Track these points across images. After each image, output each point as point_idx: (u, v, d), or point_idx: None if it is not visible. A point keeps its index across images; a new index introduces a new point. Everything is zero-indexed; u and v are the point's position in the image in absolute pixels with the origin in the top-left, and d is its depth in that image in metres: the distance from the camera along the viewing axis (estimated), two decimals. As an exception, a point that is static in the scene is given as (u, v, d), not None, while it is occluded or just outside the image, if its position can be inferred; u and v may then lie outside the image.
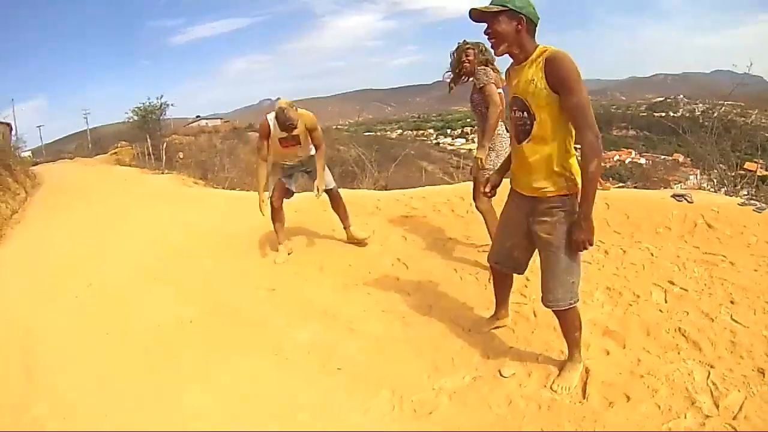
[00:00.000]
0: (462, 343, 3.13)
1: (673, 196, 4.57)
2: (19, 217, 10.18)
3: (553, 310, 2.55)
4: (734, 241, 3.89)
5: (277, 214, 4.89)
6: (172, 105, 28.74)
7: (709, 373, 2.55)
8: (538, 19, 2.29)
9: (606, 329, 3.03)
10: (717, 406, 2.30)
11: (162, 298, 4.40)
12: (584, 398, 2.50)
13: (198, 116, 50.37)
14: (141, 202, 10.30)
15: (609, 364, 2.73)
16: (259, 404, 2.83)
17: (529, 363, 2.84)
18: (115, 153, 26.99)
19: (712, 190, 6.72)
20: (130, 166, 21.13)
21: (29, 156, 28.43)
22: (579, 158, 2.29)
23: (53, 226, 8.71)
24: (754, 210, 4.26)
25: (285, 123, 4.45)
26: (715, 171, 7.86)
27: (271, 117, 4.61)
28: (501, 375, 2.76)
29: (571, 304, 2.49)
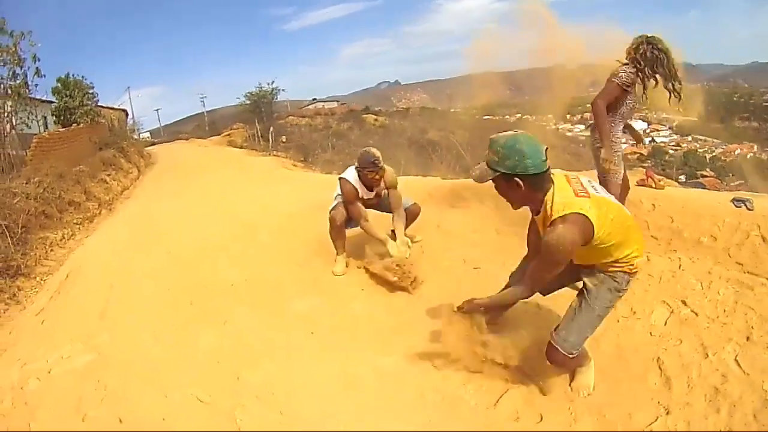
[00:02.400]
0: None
1: (734, 200, 4.01)
2: (129, 193, 12.00)
3: (552, 348, 2.60)
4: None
5: (338, 232, 4.68)
6: (283, 90, 30.98)
7: (656, 419, 2.39)
8: (540, 168, 2.28)
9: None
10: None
11: (218, 265, 5.23)
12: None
13: (314, 99, 53.11)
14: (234, 182, 11.69)
15: (553, 383, 2.77)
16: (249, 346, 3.58)
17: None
18: (228, 135, 29.35)
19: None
20: (241, 147, 23.10)
21: (147, 137, 31.89)
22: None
23: (154, 201, 10.21)
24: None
25: (371, 170, 4.31)
26: None
27: (351, 176, 4.49)
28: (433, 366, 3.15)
29: (572, 354, 2.55)
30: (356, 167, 4.46)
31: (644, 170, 5.10)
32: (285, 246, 5.53)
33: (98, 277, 5.33)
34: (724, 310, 2.98)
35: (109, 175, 12.15)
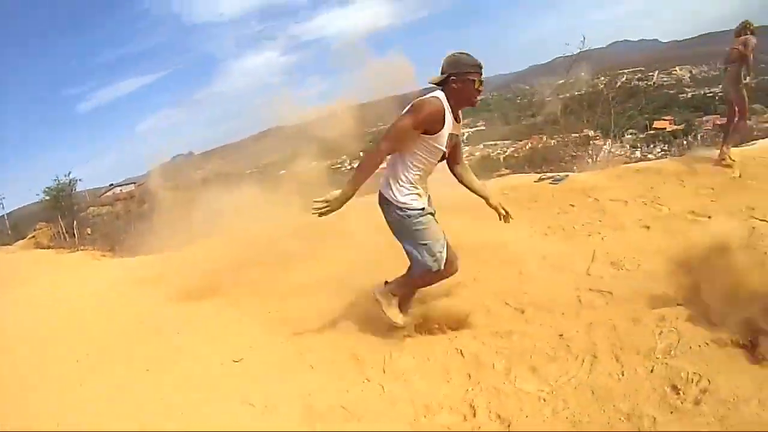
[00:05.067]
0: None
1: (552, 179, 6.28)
2: None
3: None
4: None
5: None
6: (80, 180, 32.35)
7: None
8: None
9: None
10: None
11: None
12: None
13: (111, 184, 53.38)
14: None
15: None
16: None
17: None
18: (33, 237, 29.77)
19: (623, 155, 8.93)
20: (48, 248, 24.03)
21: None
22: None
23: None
24: (550, 183, 5.68)
25: (474, 74, 3.33)
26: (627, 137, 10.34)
27: (442, 96, 3.28)
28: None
29: None
30: (449, 83, 3.32)
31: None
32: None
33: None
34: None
35: None
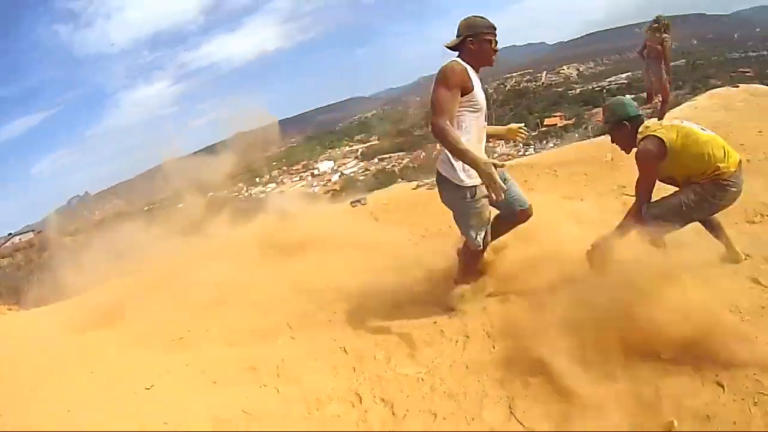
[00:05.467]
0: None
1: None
2: None
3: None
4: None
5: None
6: None
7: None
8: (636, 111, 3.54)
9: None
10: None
11: None
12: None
13: (10, 234, 51.38)
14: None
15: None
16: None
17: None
18: None
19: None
20: None
21: None
22: None
23: None
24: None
25: (490, 35, 3.42)
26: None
27: (459, 60, 3.39)
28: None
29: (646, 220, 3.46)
30: (467, 45, 3.43)
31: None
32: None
33: None
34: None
35: None
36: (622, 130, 3.56)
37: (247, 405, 3.54)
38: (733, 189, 3.35)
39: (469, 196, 3.50)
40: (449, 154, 3.37)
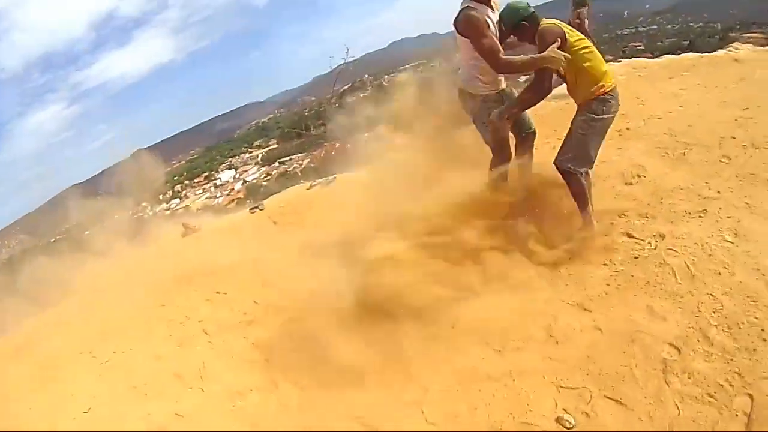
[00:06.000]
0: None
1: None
2: None
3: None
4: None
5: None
6: None
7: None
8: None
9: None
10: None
11: None
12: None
13: None
14: None
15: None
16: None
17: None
18: None
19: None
20: None
21: None
22: None
23: None
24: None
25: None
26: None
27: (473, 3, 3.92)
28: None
29: (570, 168, 4.00)
30: None
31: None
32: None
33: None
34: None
35: None
36: (525, 29, 3.94)
37: (178, 408, 3.99)
38: (613, 101, 3.97)
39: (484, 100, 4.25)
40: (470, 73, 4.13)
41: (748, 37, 23.88)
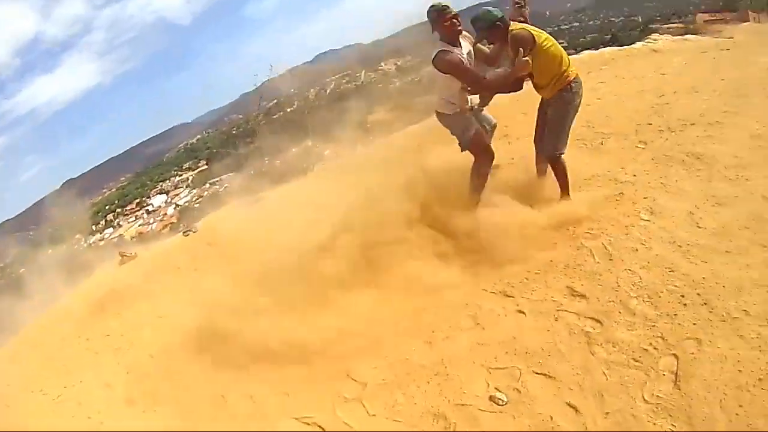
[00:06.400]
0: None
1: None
2: None
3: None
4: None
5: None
6: None
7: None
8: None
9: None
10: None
11: None
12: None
13: None
14: None
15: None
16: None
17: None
18: None
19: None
20: None
21: None
22: None
23: None
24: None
25: (447, 15, 4.55)
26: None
27: (445, 47, 4.55)
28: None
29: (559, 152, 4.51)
30: (437, 30, 4.59)
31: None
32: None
33: None
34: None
35: None
36: (497, 30, 4.42)
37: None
38: (578, 86, 4.45)
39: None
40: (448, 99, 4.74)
41: (668, 28, 24.95)
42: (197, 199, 45.47)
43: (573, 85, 4.41)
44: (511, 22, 4.43)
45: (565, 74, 4.38)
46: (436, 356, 3.56)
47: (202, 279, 5.90)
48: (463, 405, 3.13)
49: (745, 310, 3.15)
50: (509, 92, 4.91)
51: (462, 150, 4.89)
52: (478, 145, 4.82)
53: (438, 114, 4.95)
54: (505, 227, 4.35)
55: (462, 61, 4.48)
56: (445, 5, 4.51)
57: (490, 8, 4.45)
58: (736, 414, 2.63)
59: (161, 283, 6.13)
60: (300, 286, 4.59)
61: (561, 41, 5.36)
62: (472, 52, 4.75)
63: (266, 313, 4.44)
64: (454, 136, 4.91)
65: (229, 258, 6.12)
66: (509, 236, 4.31)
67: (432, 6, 4.53)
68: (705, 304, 3.27)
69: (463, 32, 4.65)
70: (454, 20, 4.48)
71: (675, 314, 3.26)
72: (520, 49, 4.18)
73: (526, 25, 4.48)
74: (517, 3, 5.55)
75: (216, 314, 4.74)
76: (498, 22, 4.38)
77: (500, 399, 3.07)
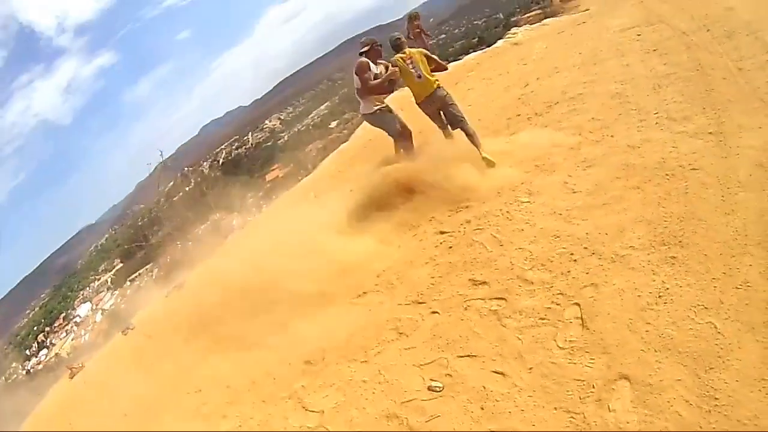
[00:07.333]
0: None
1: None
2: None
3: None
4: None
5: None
6: None
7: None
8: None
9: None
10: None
11: None
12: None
13: None
14: None
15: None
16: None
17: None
18: None
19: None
20: None
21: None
22: None
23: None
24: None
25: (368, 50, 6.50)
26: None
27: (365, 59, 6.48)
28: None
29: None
30: (369, 52, 6.42)
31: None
32: None
33: None
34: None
35: None
36: (400, 44, 6.11)
37: None
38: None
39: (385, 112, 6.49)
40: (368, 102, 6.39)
41: (528, 18, 26.29)
42: (121, 299, 44.33)
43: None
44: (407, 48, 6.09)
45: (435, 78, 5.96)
46: (373, 370, 3.89)
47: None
48: (408, 401, 3.46)
49: (631, 246, 3.65)
50: (387, 89, 6.40)
51: (393, 137, 6.57)
52: (403, 129, 6.44)
53: (366, 116, 6.58)
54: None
55: (369, 67, 6.20)
56: (374, 39, 6.45)
57: (393, 34, 6.22)
58: (646, 331, 3.03)
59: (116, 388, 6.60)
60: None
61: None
62: (383, 71, 6.26)
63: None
64: (383, 130, 6.61)
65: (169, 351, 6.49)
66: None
67: (363, 40, 6.44)
68: (593, 254, 3.74)
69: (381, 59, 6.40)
70: (378, 48, 6.42)
71: (568, 271, 3.71)
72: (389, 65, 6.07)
73: (411, 50, 6.10)
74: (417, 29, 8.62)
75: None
76: (399, 40, 6.13)
77: (437, 387, 3.42)
